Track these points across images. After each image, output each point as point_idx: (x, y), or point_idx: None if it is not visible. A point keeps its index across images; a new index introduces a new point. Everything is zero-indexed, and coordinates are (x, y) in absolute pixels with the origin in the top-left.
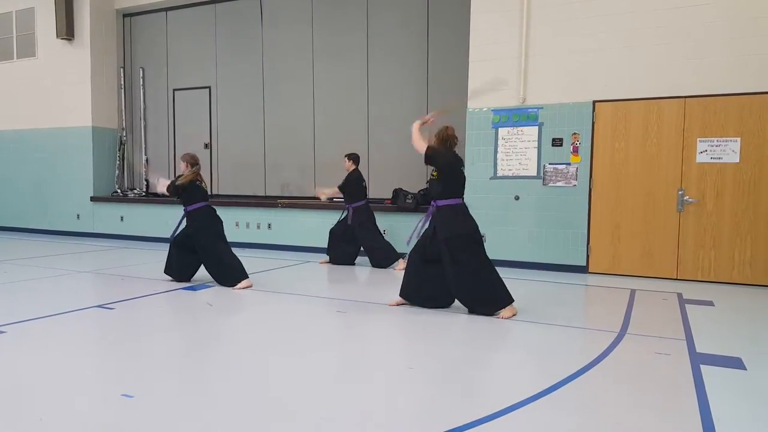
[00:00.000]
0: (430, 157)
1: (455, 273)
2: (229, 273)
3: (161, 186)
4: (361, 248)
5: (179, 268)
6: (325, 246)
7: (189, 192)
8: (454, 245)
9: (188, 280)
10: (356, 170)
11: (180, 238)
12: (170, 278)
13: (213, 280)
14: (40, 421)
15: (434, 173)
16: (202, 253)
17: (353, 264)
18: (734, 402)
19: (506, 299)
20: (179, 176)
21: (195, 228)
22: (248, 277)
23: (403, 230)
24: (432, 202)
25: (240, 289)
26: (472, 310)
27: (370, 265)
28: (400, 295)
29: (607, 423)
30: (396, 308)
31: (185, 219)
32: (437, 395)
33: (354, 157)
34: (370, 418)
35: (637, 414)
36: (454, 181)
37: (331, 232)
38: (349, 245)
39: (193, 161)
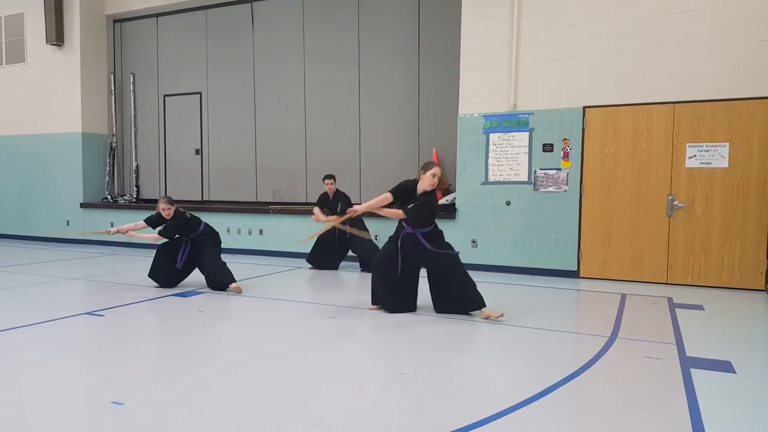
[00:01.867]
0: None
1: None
2: (226, 274)
3: (146, 236)
4: (347, 253)
5: (168, 273)
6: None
7: (185, 226)
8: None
9: (175, 285)
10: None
11: (171, 244)
12: (156, 284)
13: (205, 285)
14: (28, 430)
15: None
16: (205, 254)
17: (337, 269)
18: (724, 405)
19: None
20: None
21: (203, 241)
22: (236, 282)
23: (390, 233)
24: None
25: (235, 291)
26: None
27: (358, 269)
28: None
29: (599, 427)
30: (388, 314)
31: (190, 244)
32: (429, 400)
33: (334, 178)
34: (363, 424)
35: (628, 418)
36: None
37: (318, 240)
38: (337, 252)
39: (171, 202)
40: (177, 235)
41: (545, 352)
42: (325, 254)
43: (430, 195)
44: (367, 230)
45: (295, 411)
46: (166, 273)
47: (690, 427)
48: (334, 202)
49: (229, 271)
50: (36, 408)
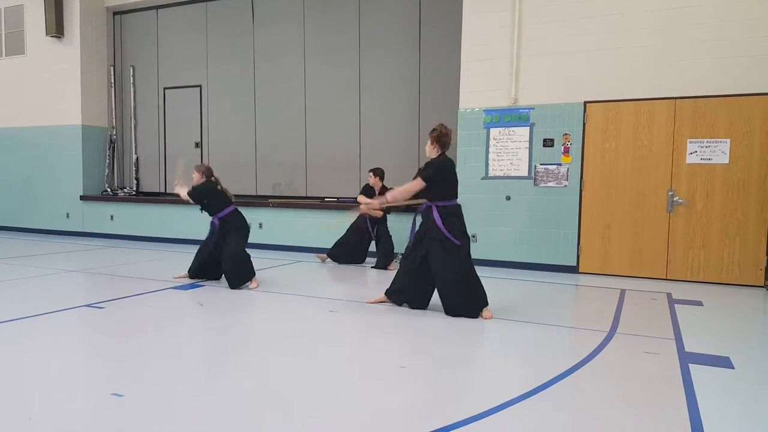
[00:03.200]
0: (428, 180)
1: (445, 272)
2: (245, 271)
3: (181, 191)
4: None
5: (204, 269)
6: (317, 246)
7: (214, 198)
8: (447, 245)
9: (211, 275)
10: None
11: (212, 246)
12: (192, 277)
13: (215, 279)
14: (29, 421)
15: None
16: (227, 247)
17: (362, 262)
18: (722, 400)
19: (485, 300)
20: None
21: (230, 227)
22: (255, 275)
23: (393, 230)
24: (426, 203)
25: (253, 288)
26: (453, 312)
27: (370, 265)
28: (386, 293)
29: (597, 421)
30: (387, 308)
31: (217, 225)
32: (428, 394)
33: (380, 173)
34: (361, 417)
35: (626, 413)
36: (447, 184)
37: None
38: (364, 245)
39: (208, 173)
40: (204, 202)
41: (544, 347)
42: (352, 248)
43: (437, 159)
44: (389, 233)
45: (294, 403)
46: (202, 265)
47: (688, 422)
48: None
49: (251, 266)
50: (37, 399)
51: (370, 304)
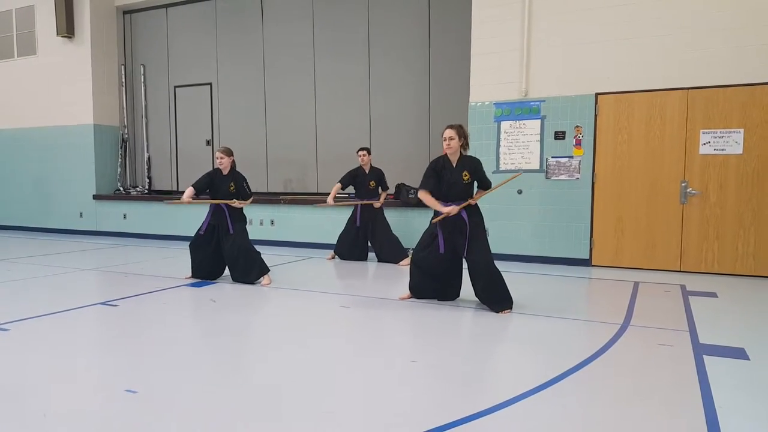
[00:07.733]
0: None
1: (487, 264)
2: (258, 265)
3: (241, 203)
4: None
5: (210, 268)
6: (328, 242)
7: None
8: (482, 233)
9: (215, 276)
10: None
11: (206, 235)
12: (196, 278)
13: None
14: (44, 417)
15: (466, 176)
16: (233, 244)
17: (365, 259)
18: (737, 392)
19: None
20: (241, 186)
21: (235, 220)
22: (269, 271)
23: (406, 225)
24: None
25: (265, 285)
26: (489, 303)
27: (376, 259)
28: (410, 289)
29: (611, 414)
30: (399, 302)
31: (221, 212)
32: (440, 387)
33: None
34: (374, 411)
35: (641, 405)
36: None
37: (343, 235)
38: (360, 243)
39: (228, 153)
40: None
41: (557, 340)
42: (349, 245)
43: (466, 161)
44: (386, 222)
45: (306, 398)
46: (202, 264)
47: (703, 413)
48: (369, 178)
49: (262, 260)
50: (51, 396)
51: (401, 299)
